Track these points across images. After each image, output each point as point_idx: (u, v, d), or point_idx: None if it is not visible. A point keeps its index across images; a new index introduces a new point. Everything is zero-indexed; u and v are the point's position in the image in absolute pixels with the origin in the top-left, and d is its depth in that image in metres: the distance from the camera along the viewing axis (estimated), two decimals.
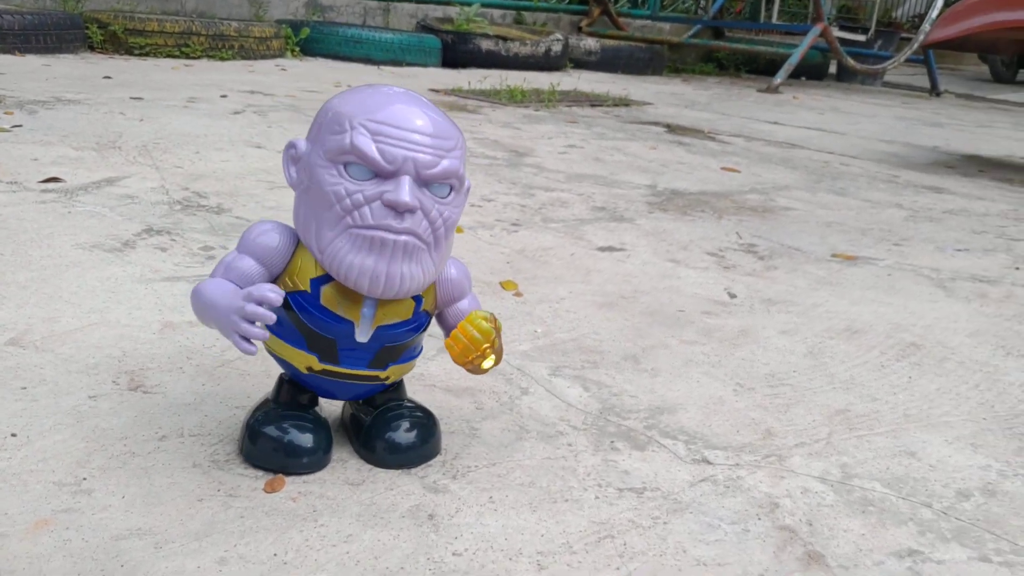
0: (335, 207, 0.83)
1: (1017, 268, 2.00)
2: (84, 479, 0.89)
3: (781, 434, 1.12)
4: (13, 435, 0.96)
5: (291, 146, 0.88)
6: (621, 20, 7.09)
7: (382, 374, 0.93)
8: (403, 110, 0.84)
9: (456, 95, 4.20)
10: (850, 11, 8.56)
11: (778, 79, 5.87)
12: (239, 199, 1.98)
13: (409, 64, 5.28)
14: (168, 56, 4.62)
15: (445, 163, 0.84)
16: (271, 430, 0.93)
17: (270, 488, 0.90)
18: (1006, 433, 1.18)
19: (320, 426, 0.94)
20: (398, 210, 0.82)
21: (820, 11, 5.88)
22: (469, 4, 6.20)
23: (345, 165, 0.83)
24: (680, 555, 0.85)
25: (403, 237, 0.83)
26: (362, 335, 0.88)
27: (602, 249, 1.86)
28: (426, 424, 0.97)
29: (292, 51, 5.16)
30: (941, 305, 1.69)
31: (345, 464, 0.95)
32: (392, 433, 0.95)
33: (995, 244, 2.22)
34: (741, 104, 5.07)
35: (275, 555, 0.80)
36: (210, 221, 1.80)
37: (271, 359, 1.18)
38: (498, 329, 0.89)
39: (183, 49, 4.67)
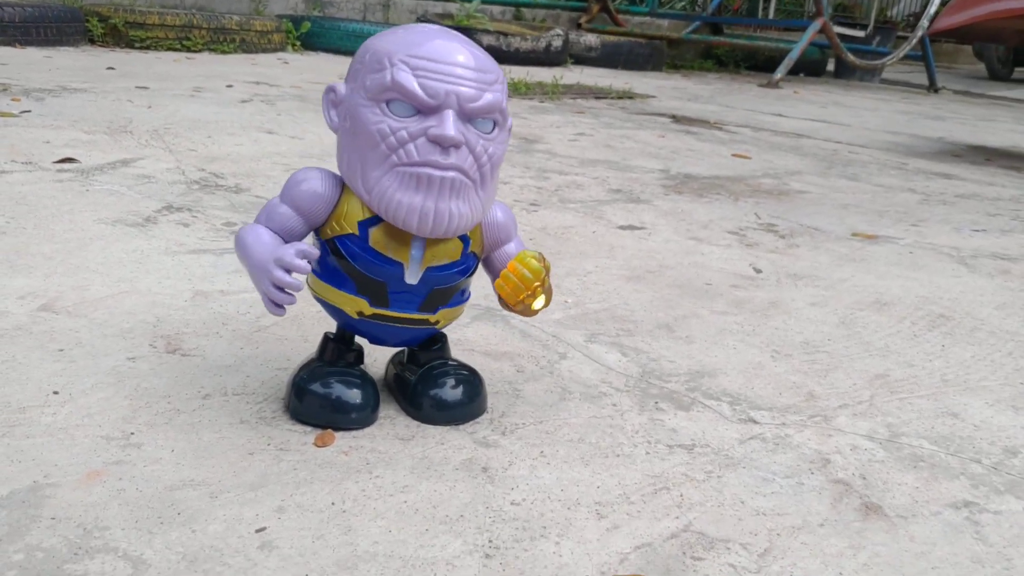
0: (380, 146, 0.82)
1: None
2: (132, 434, 0.88)
3: (824, 396, 1.11)
4: (55, 393, 0.94)
5: (330, 90, 0.87)
6: (620, 16, 7.09)
7: (432, 318, 0.91)
8: (443, 45, 0.82)
9: None
10: (846, 9, 8.58)
11: (778, 74, 5.88)
12: (256, 179, 1.96)
13: None
14: (169, 49, 4.60)
15: (488, 96, 0.83)
16: (318, 387, 0.91)
17: (321, 443, 0.88)
18: None
19: (367, 382, 0.93)
20: (443, 145, 0.81)
21: (820, 7, 5.89)
22: (469, 0, 6.19)
23: (387, 103, 0.81)
24: (738, 506, 0.84)
25: (450, 173, 0.82)
26: (412, 277, 0.87)
27: (623, 228, 1.86)
28: (472, 381, 0.96)
29: (293, 45, 5.14)
30: (965, 280, 1.68)
31: (394, 421, 0.94)
32: (438, 390, 0.94)
33: (1011, 225, 2.22)
34: (743, 98, 5.07)
35: (332, 504, 0.79)
36: (230, 199, 1.78)
37: (306, 325, 1.18)
38: (547, 268, 0.88)
39: (184, 42, 4.65)
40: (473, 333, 1.21)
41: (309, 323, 1.19)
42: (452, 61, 0.81)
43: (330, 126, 0.88)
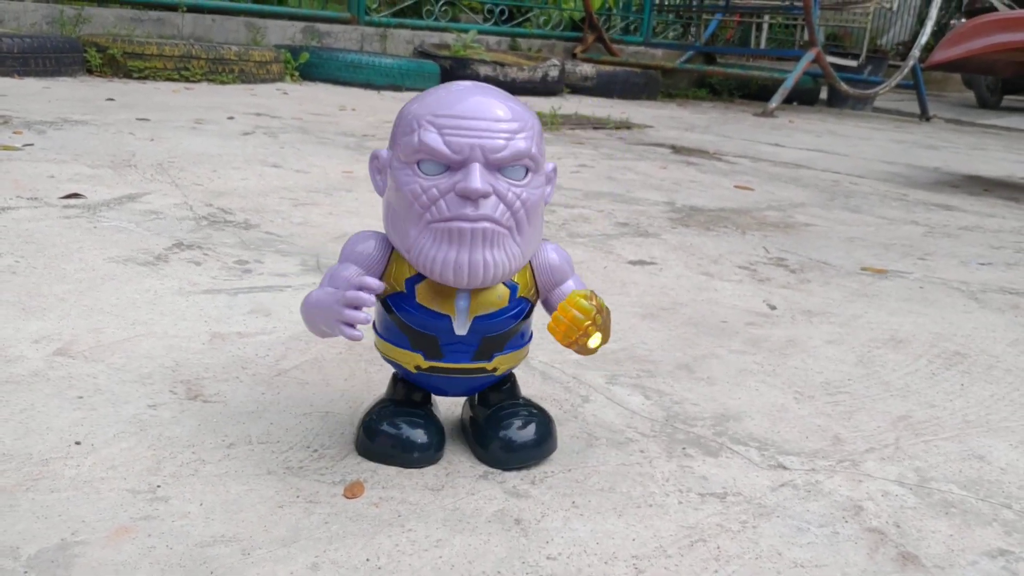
0: (414, 205, 0.84)
1: None
2: (158, 486, 0.86)
3: (850, 440, 1.10)
4: (77, 443, 0.93)
5: (374, 157, 0.90)
6: (615, 46, 7.14)
7: (488, 365, 0.92)
8: (467, 101, 0.85)
9: None
10: (836, 38, 8.67)
11: (773, 103, 5.92)
12: (266, 215, 1.96)
13: (408, 89, 5.29)
14: (167, 79, 4.61)
15: (514, 145, 0.84)
16: (384, 426, 0.94)
17: (350, 494, 0.87)
18: None
19: (431, 422, 0.95)
20: (471, 198, 0.83)
21: (813, 37, 5.94)
22: (465, 31, 6.23)
23: (418, 163, 0.84)
24: (776, 558, 0.83)
25: (480, 224, 0.84)
26: (460, 328, 0.88)
27: (633, 263, 1.85)
28: (541, 422, 0.97)
29: (292, 75, 5.16)
30: (977, 316, 1.69)
31: (422, 470, 0.93)
32: (506, 431, 0.95)
33: (1016, 259, 2.22)
34: (739, 127, 5.10)
35: (367, 560, 0.77)
36: (240, 236, 1.77)
37: (327, 368, 1.17)
38: (600, 306, 0.87)
39: (183, 73, 4.65)
40: None
41: (330, 366, 1.18)
42: (476, 115, 0.84)
43: (377, 190, 0.91)
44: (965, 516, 0.95)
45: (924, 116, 7.04)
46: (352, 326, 0.84)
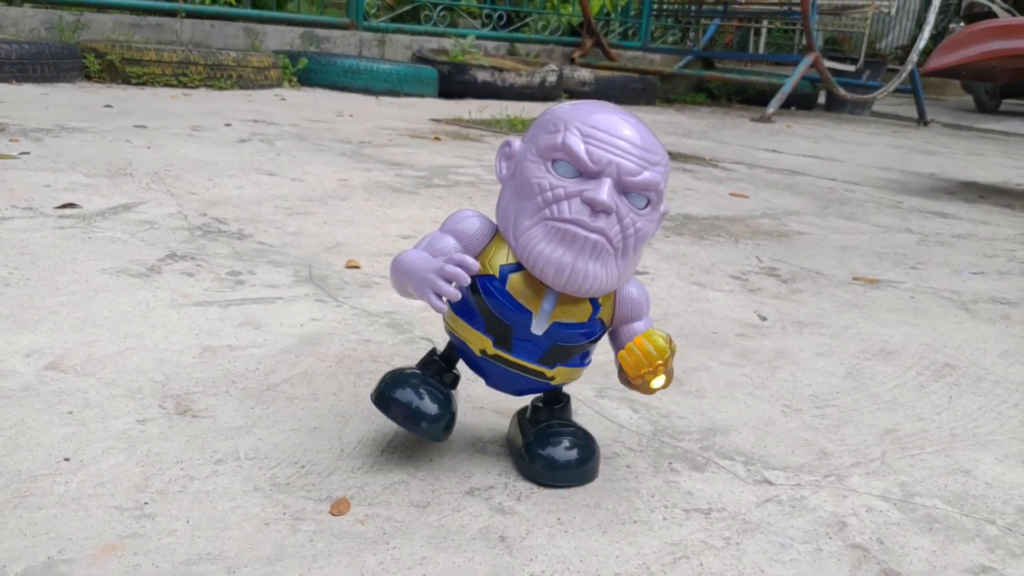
0: (537, 198, 0.87)
1: None
2: (145, 503, 0.87)
3: (836, 454, 1.11)
4: (66, 459, 0.94)
5: (506, 144, 0.93)
6: (613, 51, 7.15)
7: (549, 372, 0.94)
8: (616, 120, 0.88)
9: (458, 125, 4.21)
10: (835, 43, 8.67)
11: (771, 108, 5.92)
12: (260, 225, 1.96)
13: (407, 94, 5.30)
14: (166, 85, 4.62)
15: (647, 174, 0.87)
16: (403, 386, 0.95)
17: (336, 511, 0.88)
18: None
19: (448, 401, 0.96)
20: (594, 208, 0.86)
21: (811, 42, 5.95)
22: (463, 36, 6.24)
23: (553, 161, 0.87)
24: (758, 575, 0.84)
25: (594, 235, 0.86)
26: (538, 328, 0.91)
27: None
28: (586, 446, 0.98)
29: (290, 81, 5.16)
30: (968, 326, 1.69)
31: (408, 485, 0.94)
32: (552, 449, 0.96)
33: (1009, 267, 2.23)
34: (737, 133, 5.11)
35: None
36: (233, 246, 1.78)
37: (316, 383, 1.17)
38: (673, 351, 0.89)
39: (181, 79, 4.66)
40: (482, 388, 1.20)
41: (319, 380, 1.18)
42: (621, 136, 0.87)
43: (498, 177, 0.94)
44: (949, 532, 0.95)
45: (922, 121, 7.05)
46: (441, 298, 0.86)
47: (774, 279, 1.91)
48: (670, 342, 0.90)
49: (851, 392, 1.32)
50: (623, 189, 0.87)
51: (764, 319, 1.63)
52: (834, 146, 4.86)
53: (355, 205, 2.24)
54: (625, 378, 0.94)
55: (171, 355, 1.23)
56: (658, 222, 0.93)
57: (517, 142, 0.92)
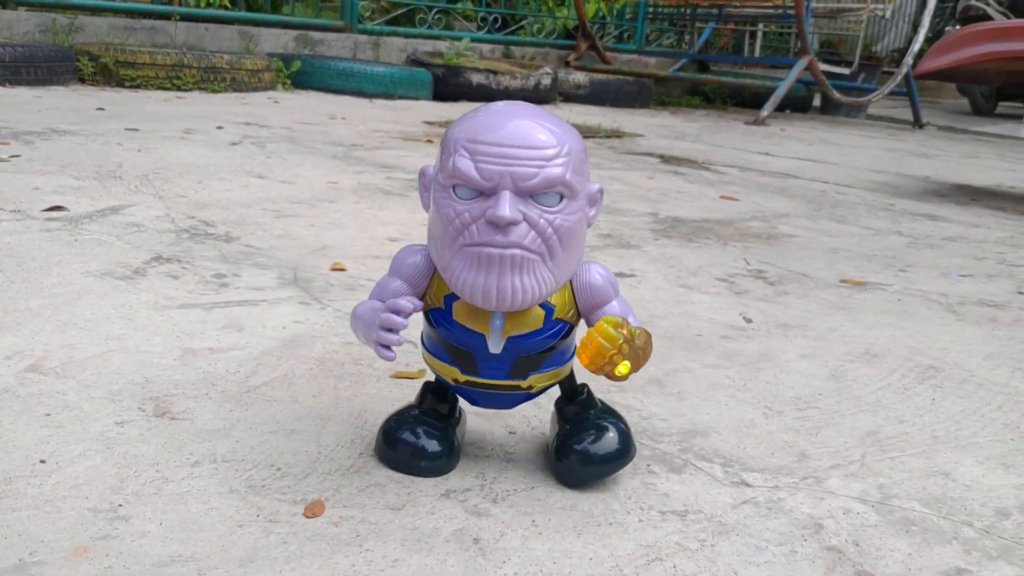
0: (448, 228, 0.87)
1: (1021, 292, 2.01)
2: (120, 505, 0.87)
3: (816, 456, 1.11)
4: (42, 461, 0.93)
5: (422, 173, 0.93)
6: (608, 54, 7.16)
7: (523, 383, 0.95)
8: (503, 126, 0.86)
9: None
10: (831, 45, 8.68)
11: (765, 111, 5.93)
12: (247, 227, 1.96)
13: (401, 97, 5.30)
14: (159, 88, 4.62)
15: (545, 172, 0.85)
16: (399, 433, 0.98)
17: (310, 513, 0.88)
18: None
19: (445, 436, 0.98)
20: (499, 225, 0.84)
21: (806, 45, 5.96)
22: (458, 39, 6.25)
23: (454, 187, 0.87)
24: None
25: (509, 251, 0.85)
26: (494, 347, 0.92)
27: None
28: (615, 433, 0.98)
29: (283, 84, 5.17)
30: (954, 329, 1.69)
31: (384, 488, 0.94)
32: (581, 445, 0.97)
33: (997, 270, 2.23)
34: (731, 136, 5.11)
35: None
36: (220, 249, 1.78)
37: (296, 385, 1.17)
38: (630, 335, 0.86)
39: (175, 81, 4.67)
40: None
41: (299, 383, 1.18)
42: (510, 143, 0.85)
43: (423, 206, 0.93)
44: (925, 534, 0.95)
45: (917, 124, 7.06)
46: (388, 347, 0.88)
47: (761, 281, 1.91)
48: (624, 326, 0.86)
49: (834, 394, 1.32)
50: (526, 194, 0.85)
51: (749, 321, 1.63)
52: (828, 149, 4.87)
53: (343, 208, 2.24)
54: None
55: (152, 357, 1.23)
56: (593, 204, 0.91)
57: (431, 169, 0.92)
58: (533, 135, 0.85)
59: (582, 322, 0.97)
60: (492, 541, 0.86)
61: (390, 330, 0.87)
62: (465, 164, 0.85)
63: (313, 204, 2.25)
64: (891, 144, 5.53)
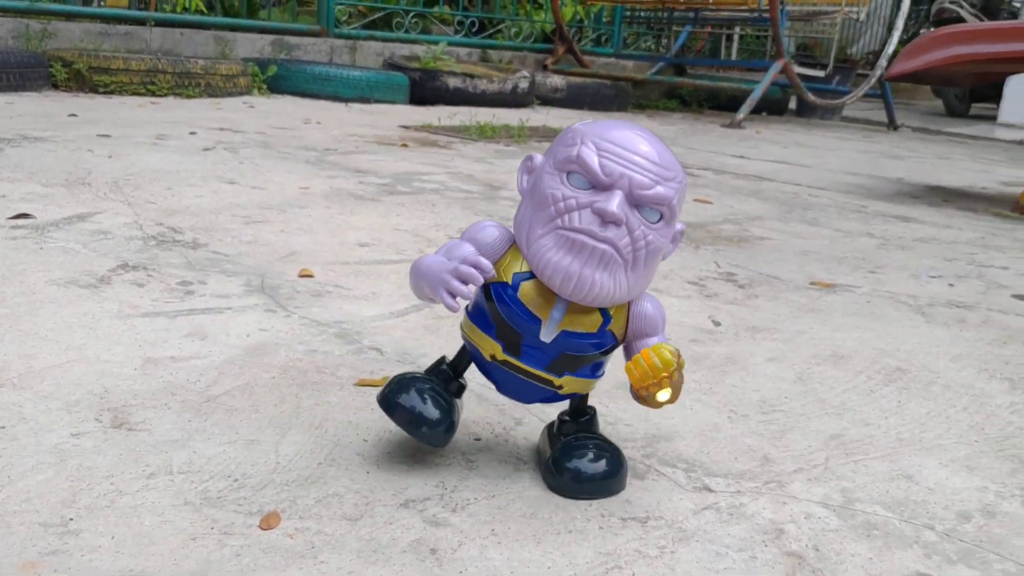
0: (550, 208, 0.90)
1: (984, 293, 2.03)
2: (71, 519, 0.85)
3: (779, 460, 1.11)
4: None
5: (528, 159, 0.96)
6: (585, 58, 7.17)
7: (556, 380, 0.96)
8: (632, 136, 0.90)
9: (427, 131, 4.21)
10: (807, 48, 8.74)
11: (740, 114, 5.96)
12: (215, 234, 1.95)
13: (377, 101, 5.28)
14: (134, 94, 4.59)
15: (660, 188, 0.89)
16: (407, 390, 0.97)
17: (266, 525, 0.87)
18: (998, 455, 1.18)
19: (450, 408, 0.98)
20: (604, 219, 0.88)
21: (781, 48, 5.99)
22: (435, 43, 6.24)
23: (568, 173, 0.90)
24: None
25: (602, 245, 0.88)
26: (546, 335, 0.93)
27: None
28: (612, 458, 0.99)
29: (259, 88, 5.14)
30: (922, 330, 1.70)
31: (341, 499, 0.93)
32: (578, 462, 0.97)
33: (967, 271, 2.25)
34: (706, 139, 5.13)
35: None
36: (187, 256, 1.76)
37: (257, 394, 1.16)
38: (680, 364, 0.90)
39: (149, 87, 4.63)
40: None
41: (261, 391, 1.17)
42: (635, 150, 0.89)
43: (519, 189, 0.96)
44: (887, 539, 0.95)
45: (892, 125, 7.11)
46: (454, 297, 0.89)
47: (731, 284, 1.92)
48: (678, 356, 0.90)
49: (799, 397, 1.32)
50: (635, 202, 0.89)
51: (718, 324, 1.63)
52: (803, 151, 4.89)
53: (314, 213, 2.23)
54: (634, 391, 0.95)
55: (112, 367, 1.21)
56: (674, 240, 0.95)
57: (539, 157, 0.95)
58: (659, 154, 0.90)
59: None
60: (450, 551, 0.85)
61: (464, 282, 0.89)
62: (589, 155, 0.88)
63: (284, 210, 2.24)
64: (865, 146, 5.57)
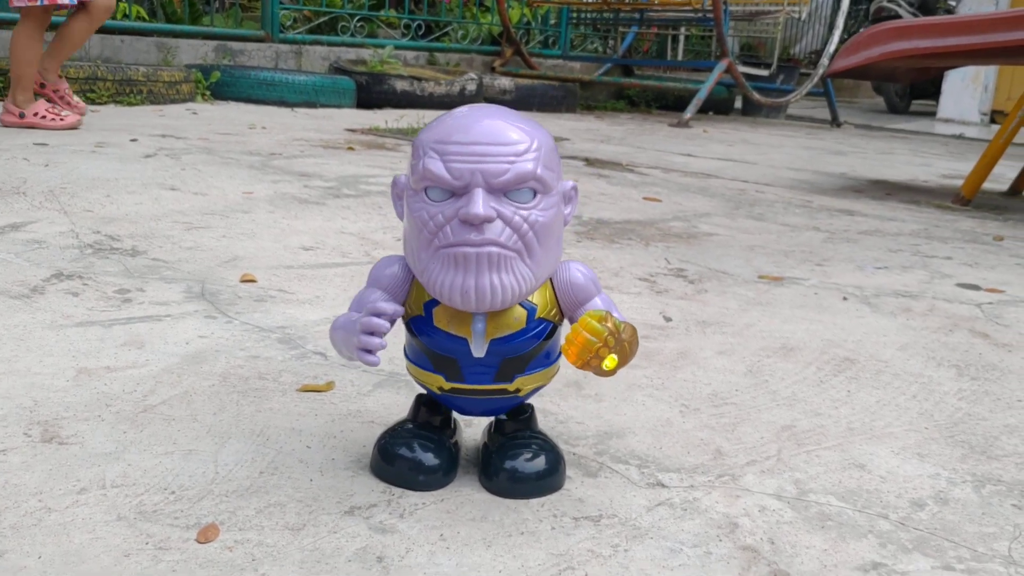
0: (423, 231, 0.86)
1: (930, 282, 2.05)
2: None
3: (731, 453, 1.10)
4: None
5: (394, 183, 0.92)
6: (533, 59, 7.17)
7: (510, 387, 0.93)
8: (471, 126, 0.85)
9: (374, 134, 4.16)
10: (751, 48, 8.84)
11: (687, 114, 5.99)
12: (155, 240, 1.89)
13: (324, 106, 5.22)
14: None
15: (516, 168, 0.84)
16: (395, 447, 0.95)
17: (203, 538, 0.83)
18: (948, 441, 1.18)
19: (442, 447, 0.96)
20: (473, 223, 0.84)
21: (725, 48, 6.04)
22: (382, 46, 6.19)
23: (425, 190, 0.86)
24: None
25: (485, 249, 0.85)
26: (477, 350, 0.90)
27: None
28: (550, 456, 0.97)
29: (203, 95, 5.05)
30: (869, 320, 1.71)
31: (284, 508, 0.89)
32: (513, 462, 0.95)
33: (911, 261, 2.27)
34: (654, 138, 5.15)
35: None
36: (124, 264, 1.71)
37: (196, 403, 1.12)
38: (615, 328, 0.84)
39: (88, 95, 4.52)
40: (374, 403, 1.17)
41: (199, 400, 1.13)
42: (479, 140, 0.84)
43: (397, 215, 0.93)
44: (841, 529, 0.94)
45: (835, 122, 7.22)
46: (370, 352, 0.86)
47: (681, 280, 1.91)
48: (609, 319, 0.85)
49: (750, 390, 1.31)
50: (499, 190, 0.84)
51: (669, 320, 1.62)
52: (748, 149, 4.94)
53: (258, 218, 2.18)
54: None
55: (43, 379, 1.16)
56: (568, 201, 0.91)
57: (403, 178, 0.91)
58: (502, 132, 0.85)
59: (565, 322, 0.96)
60: (397, 559, 0.82)
61: (372, 334, 0.86)
62: (435, 164, 0.84)
63: (226, 215, 2.18)
64: (809, 143, 5.64)
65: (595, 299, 0.94)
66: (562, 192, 0.90)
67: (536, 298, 0.91)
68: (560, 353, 0.97)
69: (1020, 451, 1.17)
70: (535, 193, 0.85)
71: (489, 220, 0.84)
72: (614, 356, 0.86)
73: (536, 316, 0.91)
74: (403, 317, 0.93)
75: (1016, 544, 0.94)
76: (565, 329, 0.92)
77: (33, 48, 3.44)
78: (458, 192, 0.84)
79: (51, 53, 3.57)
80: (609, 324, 0.85)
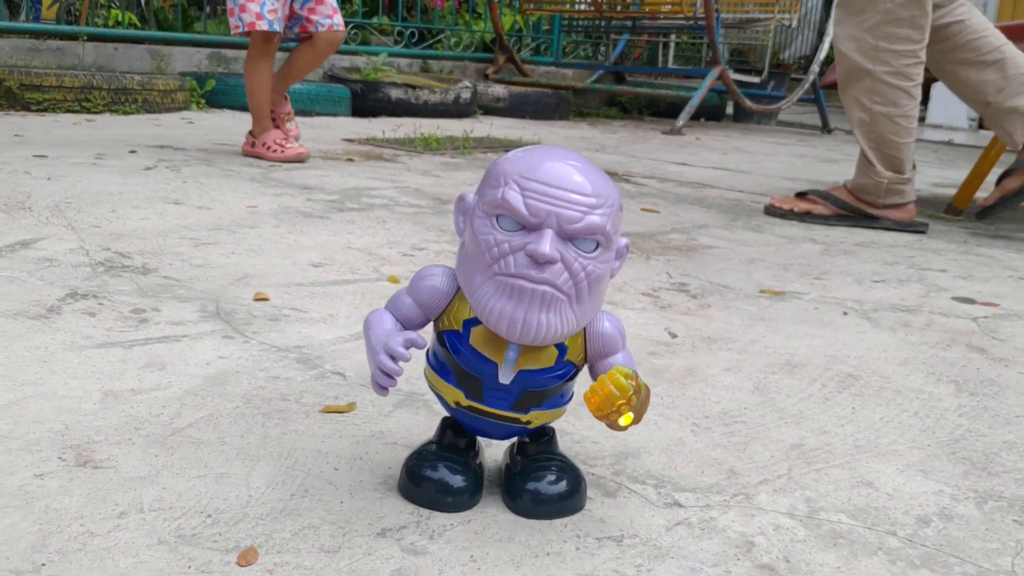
0: (485, 254, 0.89)
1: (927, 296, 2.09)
2: (43, 565, 0.84)
3: (744, 472, 1.13)
4: None
5: (460, 199, 0.95)
6: (526, 67, 7.21)
7: (523, 417, 0.96)
8: (556, 168, 0.89)
9: (372, 144, 4.19)
10: (741, 54, 8.91)
11: (680, 121, 6.04)
12: (164, 258, 1.92)
13: (319, 114, 5.24)
14: (68, 111, 4.49)
15: (589, 219, 0.88)
16: (421, 470, 0.99)
17: (243, 561, 0.86)
18: (951, 458, 1.22)
19: (469, 469, 0.99)
20: (538, 261, 0.87)
21: (717, 55, 6.10)
22: (375, 54, 6.22)
23: (497, 217, 0.89)
24: None
25: (541, 287, 0.88)
26: (504, 377, 0.93)
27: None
28: (572, 478, 1.00)
29: (198, 103, 5.07)
30: (869, 336, 1.75)
31: (318, 530, 0.92)
32: (536, 484, 0.98)
33: (908, 274, 2.32)
34: (648, 146, 5.20)
35: None
36: (137, 282, 1.73)
37: (223, 425, 1.15)
38: (639, 388, 0.90)
39: (84, 104, 4.54)
40: (395, 423, 1.20)
41: (226, 422, 1.16)
42: (559, 184, 0.88)
43: (456, 231, 0.96)
44: (852, 547, 0.98)
45: (826, 129, 7.29)
46: (384, 387, 0.93)
47: (684, 295, 1.95)
48: (635, 379, 0.90)
49: (758, 408, 1.35)
50: (567, 236, 0.89)
51: (674, 336, 1.66)
52: (742, 157, 4.99)
53: (264, 233, 2.21)
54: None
55: (71, 402, 1.19)
56: (619, 257, 0.95)
57: (470, 196, 0.95)
58: (583, 182, 0.89)
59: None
60: None
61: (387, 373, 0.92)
62: (515, 197, 0.87)
63: (233, 230, 2.21)
64: (801, 150, 5.70)
65: (619, 353, 0.99)
66: (617, 247, 0.94)
67: (569, 341, 0.95)
68: (572, 396, 1.02)
69: (1019, 467, 1.21)
70: (597, 245, 0.90)
71: (553, 261, 0.87)
72: (631, 414, 0.91)
73: (565, 358, 0.95)
74: (436, 326, 0.97)
75: (1019, 559, 0.97)
76: (583, 375, 0.98)
77: (254, 79, 3.40)
78: (529, 227, 0.88)
79: (278, 75, 3.52)
80: (634, 383, 0.90)
